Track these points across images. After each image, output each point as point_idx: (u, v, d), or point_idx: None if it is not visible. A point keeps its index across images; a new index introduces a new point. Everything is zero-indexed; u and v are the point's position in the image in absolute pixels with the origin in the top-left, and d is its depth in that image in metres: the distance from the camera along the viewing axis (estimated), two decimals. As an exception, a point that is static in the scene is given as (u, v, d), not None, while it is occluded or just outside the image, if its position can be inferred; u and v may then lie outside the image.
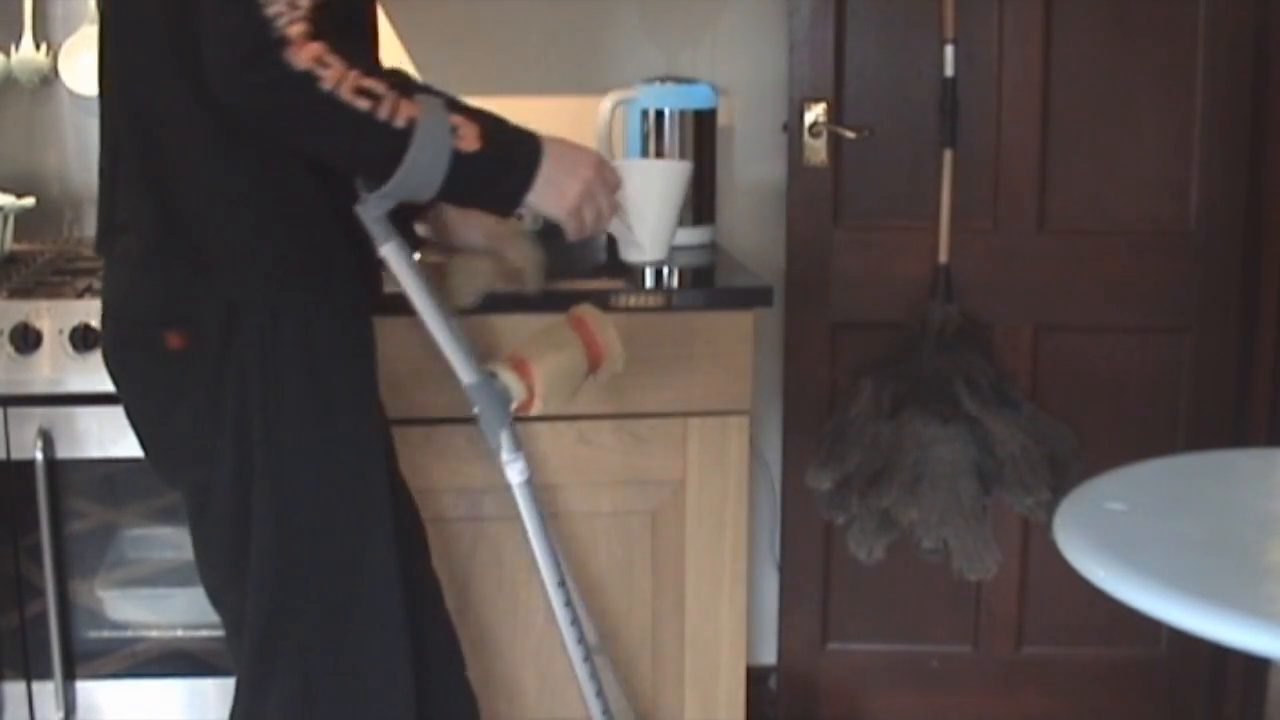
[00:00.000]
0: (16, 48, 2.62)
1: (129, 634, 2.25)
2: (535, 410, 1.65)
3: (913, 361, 2.66)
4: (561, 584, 1.69)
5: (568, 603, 1.69)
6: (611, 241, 1.92)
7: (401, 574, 1.68)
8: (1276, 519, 1.82)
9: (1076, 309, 2.77)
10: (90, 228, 2.67)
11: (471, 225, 1.85)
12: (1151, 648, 2.86)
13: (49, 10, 2.64)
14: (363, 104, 1.41)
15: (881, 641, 2.90)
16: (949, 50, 2.67)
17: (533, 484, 1.66)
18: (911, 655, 2.89)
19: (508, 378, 1.61)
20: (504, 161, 1.54)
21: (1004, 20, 2.69)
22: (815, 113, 2.72)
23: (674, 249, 2.38)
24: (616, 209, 1.68)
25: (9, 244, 2.41)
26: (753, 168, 2.84)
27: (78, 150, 2.67)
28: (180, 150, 1.58)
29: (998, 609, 2.86)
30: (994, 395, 2.62)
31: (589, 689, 1.84)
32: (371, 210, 1.54)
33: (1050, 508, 2.41)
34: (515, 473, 1.67)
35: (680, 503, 2.29)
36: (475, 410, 1.66)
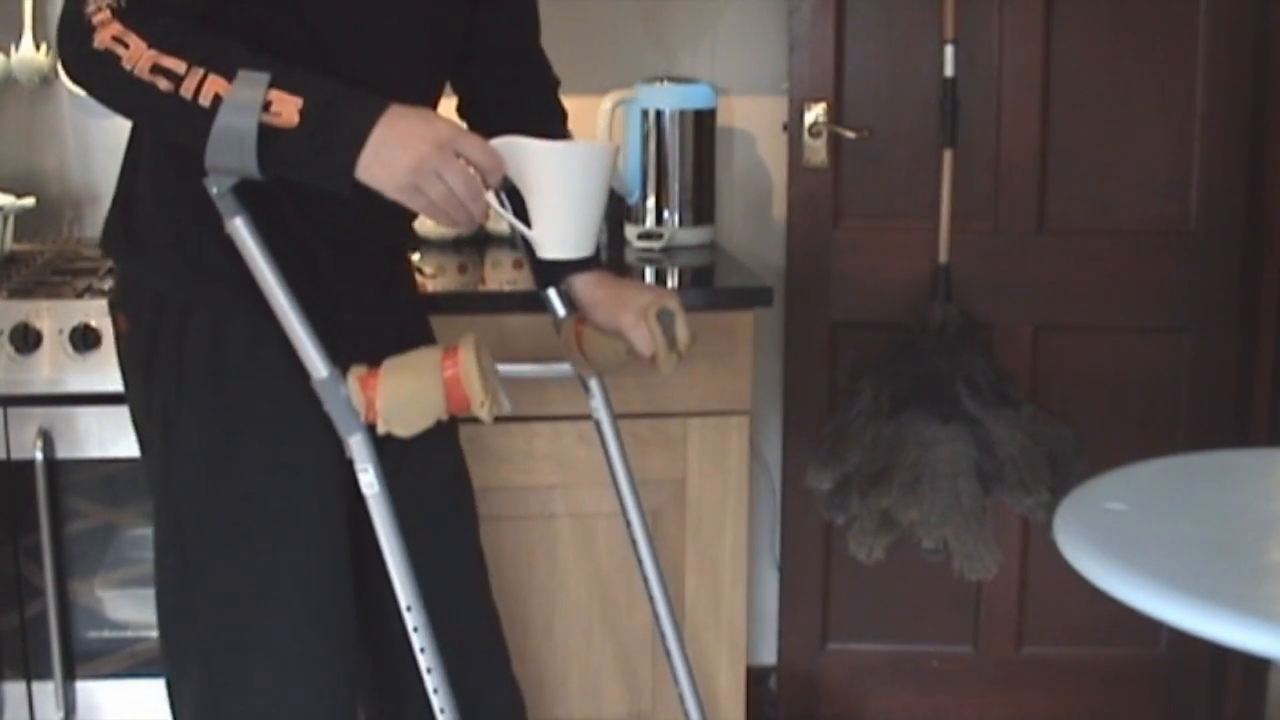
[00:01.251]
0: (16, 48, 2.62)
1: (129, 634, 2.25)
2: (380, 429, 1.51)
3: (913, 361, 2.66)
4: (410, 609, 1.55)
5: (416, 628, 1.55)
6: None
7: (338, 590, 1.61)
8: (1276, 519, 1.82)
9: (1076, 309, 2.77)
10: (90, 228, 2.68)
11: (599, 306, 1.78)
12: (1151, 648, 2.86)
13: (49, 10, 2.64)
14: (163, 83, 1.38)
15: (881, 641, 2.90)
16: (949, 50, 2.67)
17: (384, 498, 1.53)
18: (911, 655, 2.89)
19: (352, 386, 1.49)
20: (323, 137, 1.41)
21: (1004, 20, 2.69)
22: (815, 113, 2.72)
23: (677, 246, 2.36)
24: (483, 192, 1.48)
25: (9, 244, 2.41)
26: (753, 168, 2.84)
27: (78, 150, 2.67)
28: (135, 142, 1.61)
29: (998, 609, 2.86)
30: (994, 395, 2.62)
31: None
32: (210, 185, 1.46)
33: (1050, 508, 2.41)
34: (364, 484, 1.53)
35: (680, 503, 2.30)
36: (325, 408, 1.54)
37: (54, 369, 2.15)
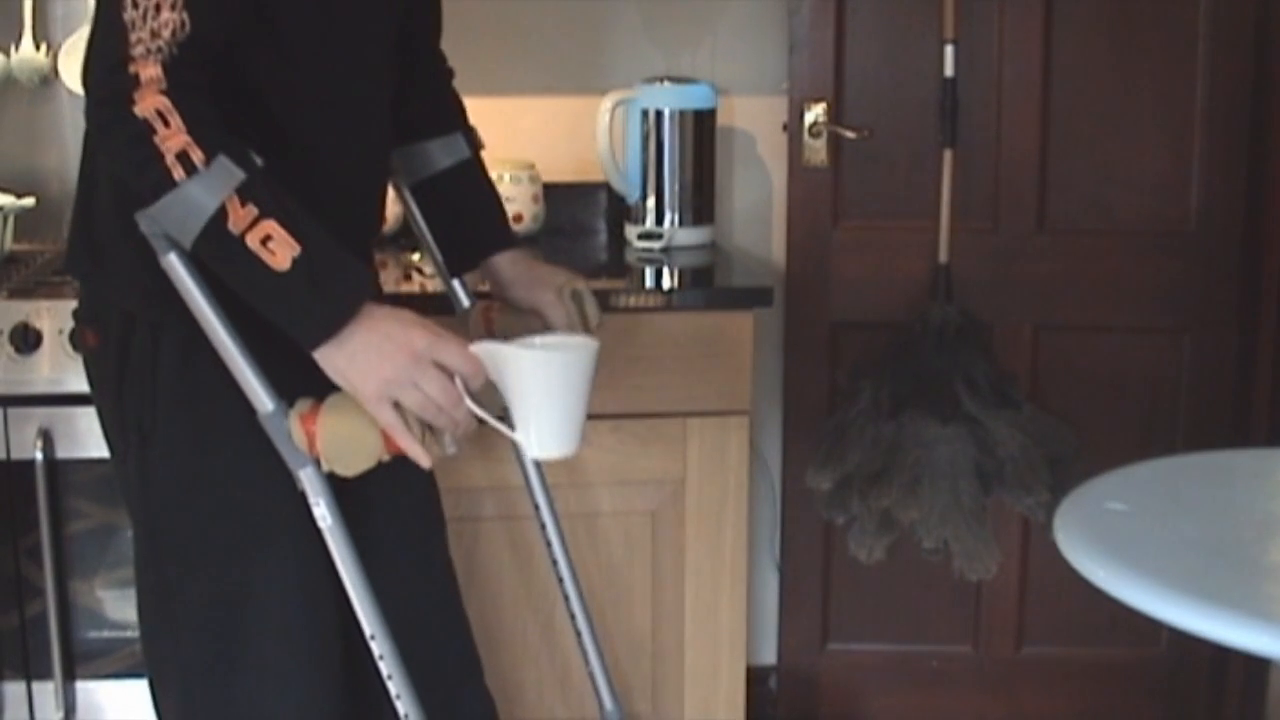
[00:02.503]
0: (16, 48, 2.62)
1: (129, 634, 2.25)
2: (324, 468, 1.47)
3: (913, 361, 2.66)
4: (374, 637, 1.53)
5: (382, 655, 1.53)
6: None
7: (313, 602, 1.60)
8: (1276, 519, 1.82)
9: (1076, 309, 2.77)
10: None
11: (518, 283, 1.80)
12: (1151, 648, 2.86)
13: (49, 10, 2.64)
14: (179, 173, 1.35)
15: (881, 641, 2.90)
16: (949, 50, 2.67)
17: (339, 530, 1.50)
18: (911, 655, 2.89)
19: (293, 423, 1.45)
20: (304, 297, 1.37)
21: (1004, 20, 2.69)
22: (815, 113, 2.72)
23: (677, 246, 2.35)
24: (462, 399, 1.42)
25: (9, 244, 2.41)
26: (753, 168, 2.84)
27: (78, 150, 2.60)
28: (93, 162, 1.59)
29: (998, 609, 2.86)
30: (994, 395, 2.62)
31: None
32: (145, 226, 1.42)
33: (1050, 508, 2.40)
34: (317, 517, 1.50)
35: (680, 503, 2.29)
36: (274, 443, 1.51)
37: (54, 369, 2.15)
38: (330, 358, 1.41)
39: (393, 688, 1.54)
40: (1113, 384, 2.79)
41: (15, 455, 2.16)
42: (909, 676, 2.90)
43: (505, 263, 1.83)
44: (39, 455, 2.14)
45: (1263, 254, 2.72)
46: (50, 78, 2.65)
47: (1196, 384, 2.79)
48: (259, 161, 1.40)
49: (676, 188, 2.60)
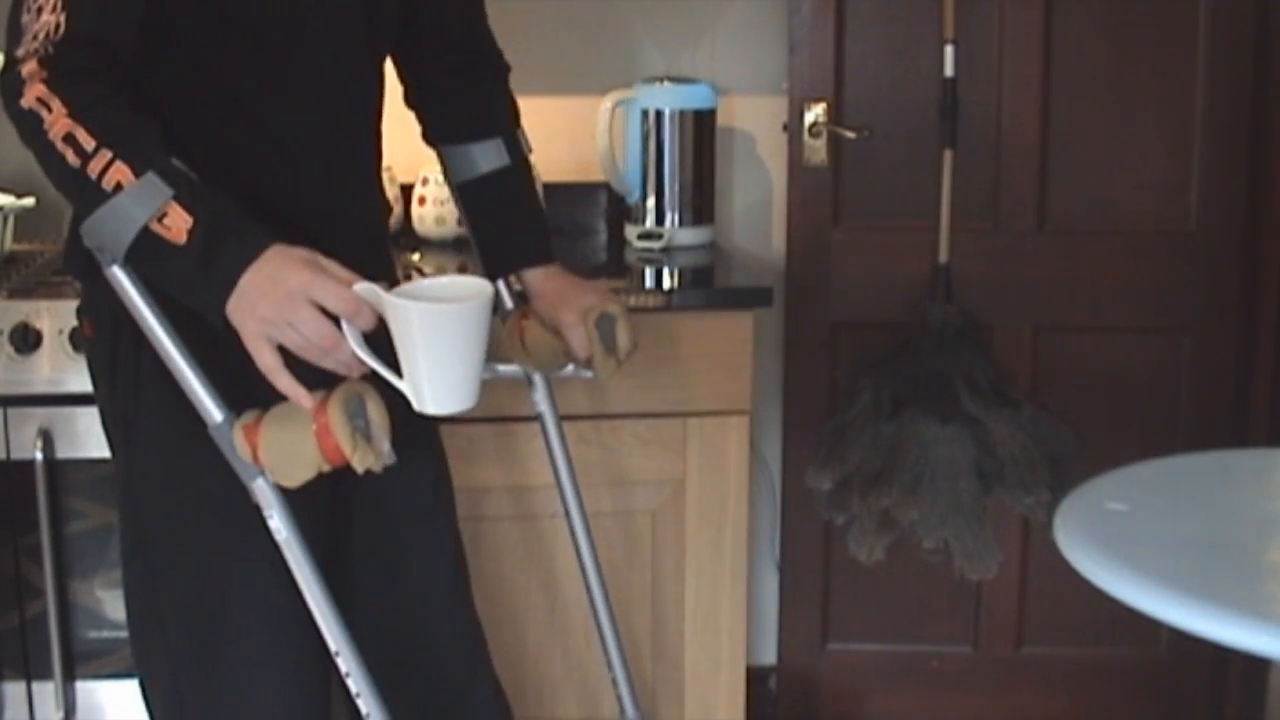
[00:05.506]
0: (16, 48, 2.62)
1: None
2: (270, 480, 1.45)
3: (913, 361, 2.66)
4: (339, 654, 1.51)
5: (349, 673, 1.51)
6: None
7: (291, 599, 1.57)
8: (1276, 519, 1.82)
9: (1076, 309, 2.77)
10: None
11: (542, 300, 1.79)
12: (1151, 648, 2.86)
13: (49, 10, 2.64)
14: (70, 155, 1.37)
15: (881, 641, 2.90)
16: (949, 50, 2.67)
17: (295, 542, 1.48)
18: (911, 655, 2.89)
19: (236, 436, 1.43)
20: (200, 266, 1.37)
21: (1004, 20, 2.69)
22: (815, 113, 2.72)
23: (677, 246, 2.35)
24: (342, 341, 1.38)
25: (9, 244, 2.41)
26: (753, 168, 2.84)
27: None
28: None
29: (998, 609, 2.86)
30: (994, 395, 2.62)
31: None
32: (87, 239, 1.43)
33: (1050, 508, 2.40)
34: (272, 529, 1.48)
35: (680, 503, 2.30)
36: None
37: (54, 369, 2.15)
38: (230, 309, 1.38)
39: (362, 705, 1.52)
40: (1113, 384, 2.79)
41: (15, 455, 2.16)
42: (909, 676, 2.90)
43: (538, 278, 1.81)
44: (39, 455, 2.14)
45: (1263, 254, 2.72)
46: (50, 78, 2.64)
47: (1196, 384, 2.79)
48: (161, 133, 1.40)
49: (676, 188, 2.60)
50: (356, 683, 1.52)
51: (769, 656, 2.95)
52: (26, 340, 2.14)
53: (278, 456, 1.43)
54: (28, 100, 1.38)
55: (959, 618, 2.88)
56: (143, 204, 1.36)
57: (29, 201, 2.47)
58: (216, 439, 1.47)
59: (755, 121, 2.82)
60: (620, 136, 2.63)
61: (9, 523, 2.19)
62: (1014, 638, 2.88)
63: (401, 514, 1.75)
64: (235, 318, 1.38)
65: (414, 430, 1.66)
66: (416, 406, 1.44)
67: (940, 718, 2.91)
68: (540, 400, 1.86)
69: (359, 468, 1.42)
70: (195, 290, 1.40)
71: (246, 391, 1.44)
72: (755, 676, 2.65)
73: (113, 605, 2.25)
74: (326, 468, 1.44)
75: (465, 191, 1.86)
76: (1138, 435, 2.78)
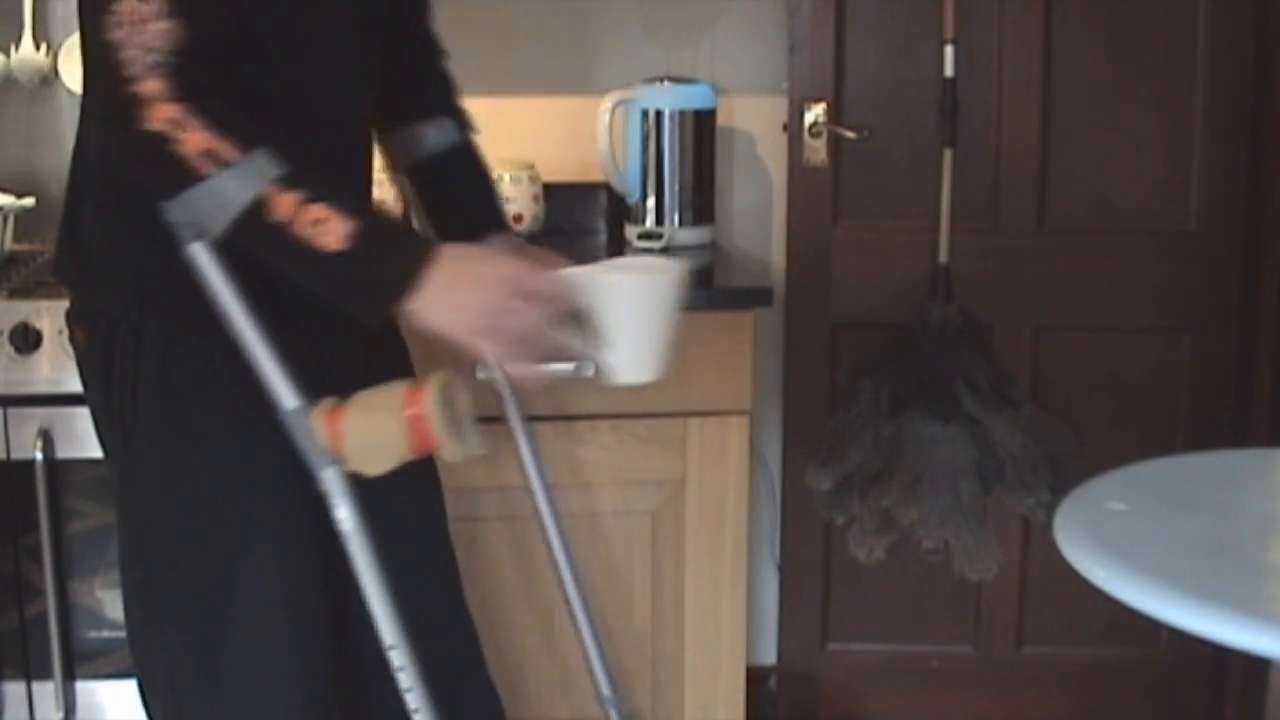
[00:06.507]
0: (16, 48, 2.62)
1: (129, 634, 2.25)
2: (347, 468, 1.47)
3: (913, 361, 2.66)
4: (393, 648, 1.51)
5: (402, 666, 1.51)
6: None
7: (303, 598, 1.60)
8: (1276, 519, 1.82)
9: (1076, 309, 2.77)
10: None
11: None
12: (1151, 648, 2.86)
13: (49, 10, 2.64)
14: (210, 168, 1.36)
15: (881, 641, 2.90)
16: (949, 50, 2.67)
17: (361, 533, 1.48)
18: (911, 655, 2.89)
19: (316, 422, 1.44)
20: (369, 269, 1.40)
21: (1004, 20, 2.69)
22: (815, 113, 2.72)
23: (677, 246, 2.35)
24: (562, 326, 1.46)
25: (9, 244, 2.41)
26: (753, 168, 2.84)
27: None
28: (77, 177, 1.59)
29: (998, 609, 2.86)
30: (994, 395, 2.62)
31: None
32: (172, 214, 1.43)
33: (1050, 508, 2.41)
34: (338, 519, 1.49)
35: (680, 503, 2.30)
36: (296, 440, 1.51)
37: (54, 369, 2.15)
38: (420, 311, 1.42)
39: (410, 701, 1.53)
40: (1113, 384, 2.79)
41: (15, 455, 2.16)
42: (909, 676, 2.90)
43: (500, 245, 1.80)
44: (39, 455, 2.14)
45: (1263, 254, 2.72)
46: (50, 78, 2.65)
47: (1196, 384, 2.79)
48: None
49: (676, 188, 2.60)
50: (408, 678, 1.52)
51: (769, 656, 2.95)
52: (26, 340, 2.14)
53: (362, 444, 1.45)
54: (155, 122, 1.35)
55: (959, 618, 2.87)
56: (284, 210, 1.37)
57: (29, 201, 2.48)
58: (289, 425, 1.47)
59: (755, 121, 2.81)
60: (620, 136, 2.63)
61: (9, 523, 2.19)
62: (1014, 638, 2.88)
63: (397, 512, 1.74)
64: (438, 318, 1.42)
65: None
66: (613, 380, 1.52)
67: (940, 718, 2.91)
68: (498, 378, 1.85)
69: (450, 458, 1.45)
70: (357, 295, 1.42)
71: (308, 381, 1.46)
72: (755, 676, 2.65)
73: (113, 605, 2.25)
74: (409, 457, 1.46)
75: (420, 171, 1.86)
76: (1138, 435, 2.78)
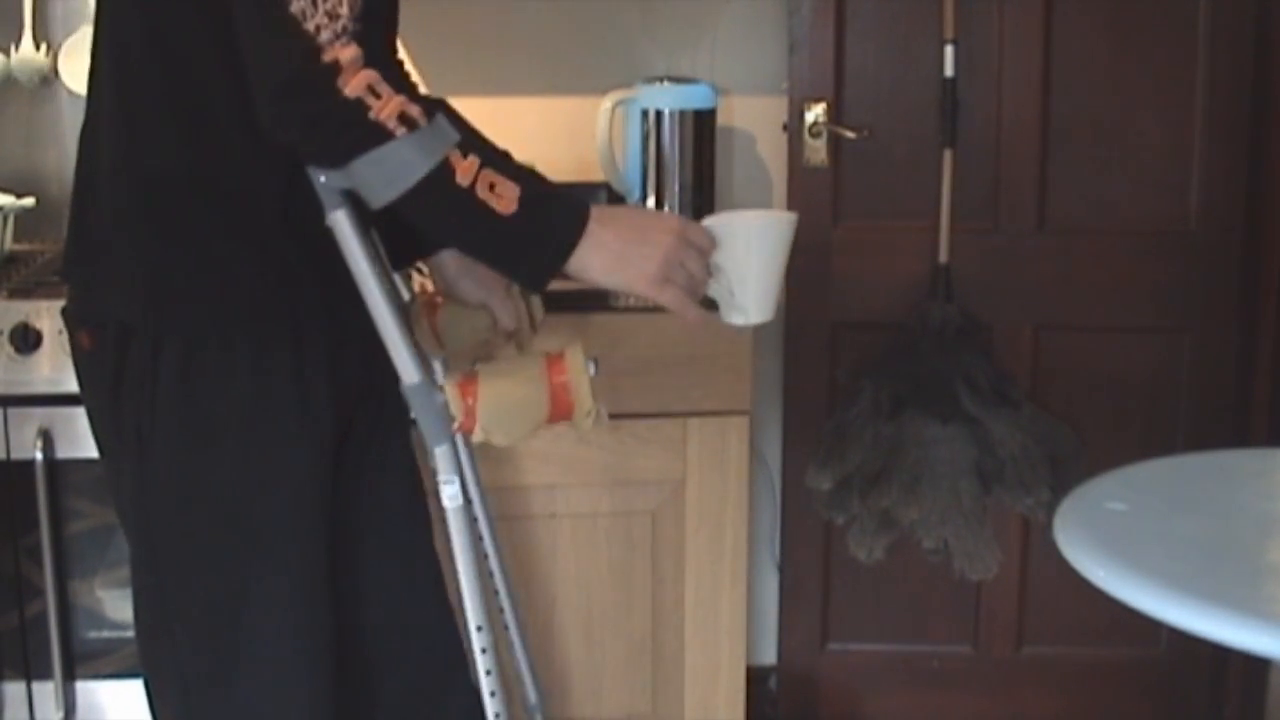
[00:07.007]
0: (16, 48, 2.62)
1: (129, 634, 2.23)
2: (476, 437, 1.49)
3: (913, 361, 2.66)
4: (480, 628, 1.53)
5: (485, 649, 1.55)
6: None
7: (315, 607, 1.60)
8: (1276, 519, 1.82)
9: (1076, 309, 2.77)
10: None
11: (468, 277, 1.78)
12: (1151, 648, 2.86)
13: (49, 10, 2.64)
14: (404, 131, 1.37)
15: (881, 641, 2.90)
16: (949, 50, 2.67)
17: (466, 513, 1.52)
18: (911, 655, 2.89)
19: (450, 391, 1.46)
20: (540, 230, 1.44)
21: (1004, 20, 2.69)
22: (815, 113, 2.72)
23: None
24: (713, 272, 1.55)
25: (9, 244, 2.41)
26: (753, 168, 2.84)
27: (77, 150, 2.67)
28: (87, 167, 1.58)
29: (998, 609, 2.86)
30: (994, 395, 2.62)
31: None
32: (317, 175, 1.45)
33: (1050, 508, 2.41)
34: (446, 496, 1.51)
35: (680, 503, 2.30)
36: (413, 415, 1.54)
37: (54, 369, 2.15)
38: (589, 266, 1.48)
39: (487, 685, 1.57)
40: (1113, 384, 2.79)
41: (15, 455, 2.16)
42: (909, 676, 2.90)
43: (455, 258, 1.79)
44: (39, 455, 2.14)
45: (1263, 254, 2.72)
46: (50, 78, 2.65)
47: (1196, 384, 2.79)
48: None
49: (676, 188, 2.60)
50: (487, 661, 1.56)
51: (769, 656, 2.95)
52: (26, 340, 2.14)
53: (501, 412, 1.48)
54: (354, 88, 1.36)
55: (959, 618, 2.87)
56: (465, 175, 1.40)
57: (29, 201, 2.48)
58: (411, 399, 1.51)
59: (755, 121, 2.81)
60: (620, 136, 2.63)
61: (9, 523, 2.19)
62: (1014, 638, 2.88)
63: (383, 509, 1.75)
64: (616, 275, 1.48)
65: (393, 435, 1.67)
66: (742, 320, 1.59)
67: (940, 718, 2.91)
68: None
69: (583, 427, 1.51)
70: (528, 254, 1.46)
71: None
72: (755, 676, 2.65)
73: (113, 605, 2.25)
74: (544, 424, 1.51)
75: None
76: (1138, 435, 2.78)
